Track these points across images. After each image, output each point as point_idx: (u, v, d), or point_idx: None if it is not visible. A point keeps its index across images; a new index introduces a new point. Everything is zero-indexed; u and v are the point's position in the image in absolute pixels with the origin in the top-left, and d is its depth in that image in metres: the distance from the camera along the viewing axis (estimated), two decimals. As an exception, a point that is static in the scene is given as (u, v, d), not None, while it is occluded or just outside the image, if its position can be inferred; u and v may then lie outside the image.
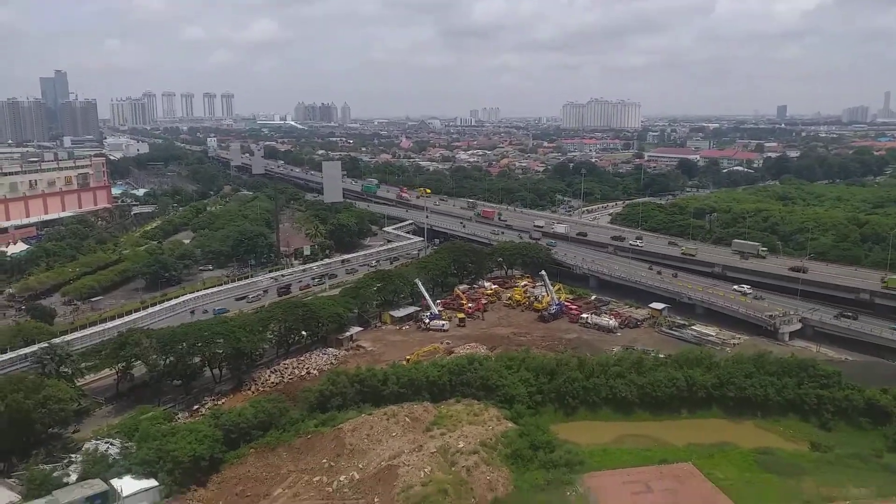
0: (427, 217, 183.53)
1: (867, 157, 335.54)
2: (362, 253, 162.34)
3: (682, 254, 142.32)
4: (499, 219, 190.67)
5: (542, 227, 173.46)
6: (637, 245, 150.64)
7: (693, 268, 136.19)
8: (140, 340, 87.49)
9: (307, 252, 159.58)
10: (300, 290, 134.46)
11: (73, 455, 69.23)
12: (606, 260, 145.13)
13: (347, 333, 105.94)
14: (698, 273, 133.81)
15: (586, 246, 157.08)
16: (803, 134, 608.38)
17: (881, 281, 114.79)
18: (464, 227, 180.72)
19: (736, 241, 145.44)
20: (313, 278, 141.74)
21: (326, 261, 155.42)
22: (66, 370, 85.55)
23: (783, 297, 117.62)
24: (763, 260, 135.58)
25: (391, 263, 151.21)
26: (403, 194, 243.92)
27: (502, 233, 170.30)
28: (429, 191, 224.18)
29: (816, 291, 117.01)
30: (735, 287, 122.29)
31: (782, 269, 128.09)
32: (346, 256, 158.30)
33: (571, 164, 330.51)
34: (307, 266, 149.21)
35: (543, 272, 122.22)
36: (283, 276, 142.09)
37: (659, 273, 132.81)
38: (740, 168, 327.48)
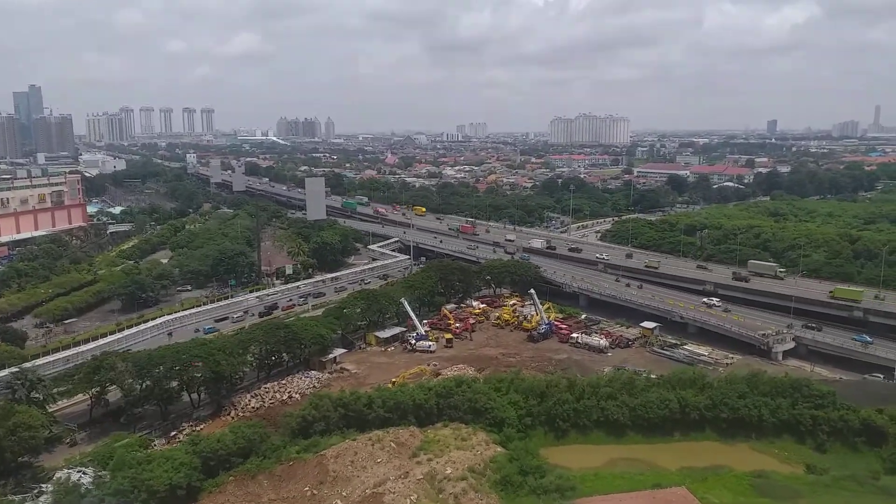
0: (406, 232, 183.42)
1: (858, 173, 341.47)
2: (350, 270, 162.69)
3: (646, 266, 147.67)
4: (486, 232, 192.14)
5: (513, 240, 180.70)
6: (604, 258, 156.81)
7: (662, 281, 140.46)
8: (115, 364, 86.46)
9: (289, 271, 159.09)
10: (283, 310, 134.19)
11: (43, 485, 67.98)
12: (595, 277, 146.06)
13: (331, 355, 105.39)
14: (667, 286, 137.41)
15: (570, 262, 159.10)
16: (794, 149, 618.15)
17: (829, 293, 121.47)
18: (446, 244, 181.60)
19: (752, 261, 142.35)
20: (301, 297, 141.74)
21: (317, 278, 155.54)
22: (37, 396, 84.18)
23: (756, 311, 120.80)
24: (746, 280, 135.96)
25: (384, 280, 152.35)
26: (380, 210, 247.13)
27: (477, 247, 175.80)
28: (423, 210, 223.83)
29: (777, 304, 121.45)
30: (704, 300, 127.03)
31: (776, 286, 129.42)
32: (334, 274, 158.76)
33: (560, 180, 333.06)
34: (294, 284, 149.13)
35: (532, 291, 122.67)
36: (269, 294, 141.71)
37: (627, 285, 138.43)
38: (731, 184, 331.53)
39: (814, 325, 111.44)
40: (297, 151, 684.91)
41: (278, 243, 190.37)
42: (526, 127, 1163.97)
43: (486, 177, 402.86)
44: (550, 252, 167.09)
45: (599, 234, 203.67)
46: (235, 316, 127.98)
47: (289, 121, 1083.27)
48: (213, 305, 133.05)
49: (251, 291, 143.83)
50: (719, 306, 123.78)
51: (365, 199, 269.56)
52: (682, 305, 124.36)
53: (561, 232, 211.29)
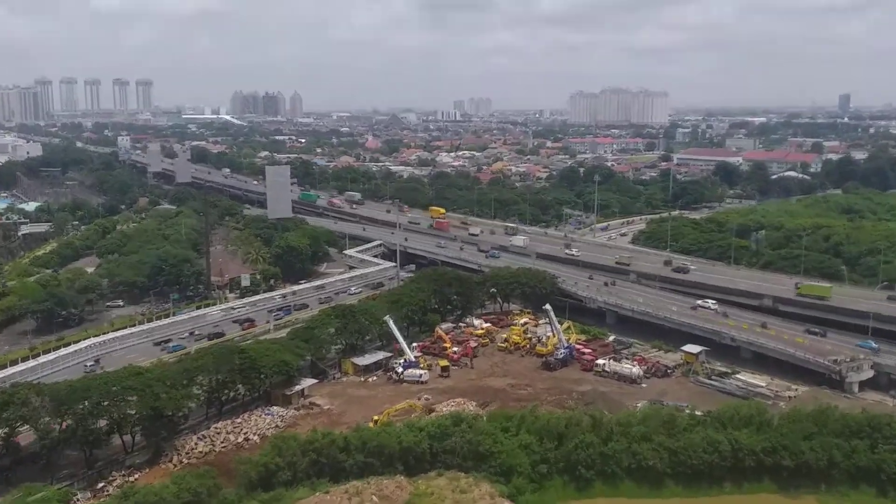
0: (393, 232, 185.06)
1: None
2: (338, 277, 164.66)
3: (617, 263, 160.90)
4: (491, 234, 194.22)
5: (477, 234, 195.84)
6: (573, 255, 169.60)
7: (703, 293, 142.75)
8: (28, 399, 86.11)
9: (246, 283, 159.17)
10: (244, 328, 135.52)
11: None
12: (626, 290, 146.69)
13: (298, 387, 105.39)
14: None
15: (572, 266, 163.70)
16: (871, 130, 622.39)
17: (795, 286, 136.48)
18: (446, 249, 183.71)
19: (803, 284, 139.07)
20: (277, 310, 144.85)
21: (301, 285, 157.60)
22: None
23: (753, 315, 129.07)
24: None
25: (375, 290, 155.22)
26: (335, 201, 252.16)
27: (445, 246, 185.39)
28: (443, 211, 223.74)
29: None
30: (699, 302, 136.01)
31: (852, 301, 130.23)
32: (319, 282, 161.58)
33: (582, 170, 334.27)
34: (269, 294, 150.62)
35: (548, 307, 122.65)
36: (234, 308, 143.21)
37: (606, 284, 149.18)
38: (793, 173, 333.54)
39: (817, 329, 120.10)
40: (255, 133, 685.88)
41: (232, 247, 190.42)
42: (540, 103, 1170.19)
43: (491, 165, 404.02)
44: (530, 253, 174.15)
45: (631, 237, 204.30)
46: (197, 333, 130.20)
47: (245, 95, 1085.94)
48: (160, 323, 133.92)
49: (199, 307, 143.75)
50: (715, 308, 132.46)
51: (357, 195, 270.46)
52: (733, 324, 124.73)
53: (582, 234, 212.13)
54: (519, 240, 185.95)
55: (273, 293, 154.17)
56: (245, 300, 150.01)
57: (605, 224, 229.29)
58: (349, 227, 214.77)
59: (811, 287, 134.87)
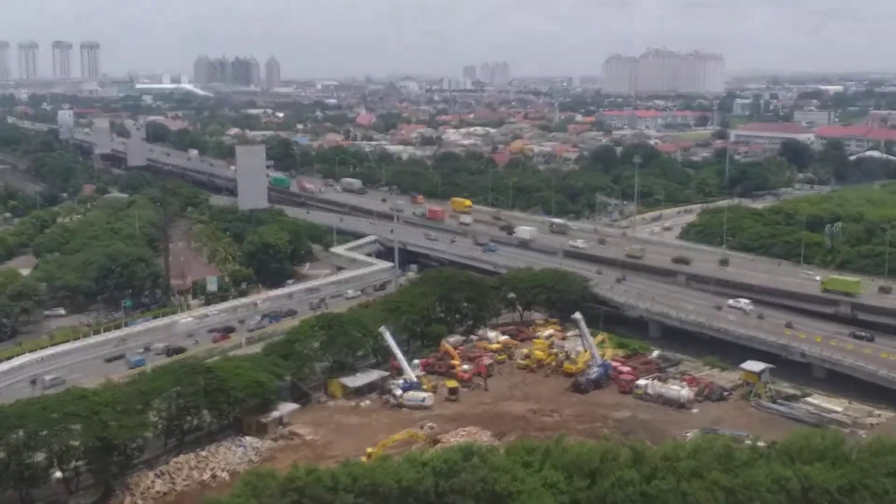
0: (392, 230, 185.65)
1: None
2: (325, 280, 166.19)
3: (627, 256, 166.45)
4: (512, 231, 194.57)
5: (468, 224, 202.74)
6: (578, 248, 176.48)
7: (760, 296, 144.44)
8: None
9: (212, 287, 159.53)
10: (216, 340, 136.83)
11: None
12: (672, 295, 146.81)
13: (275, 414, 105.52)
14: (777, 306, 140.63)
15: (578, 260, 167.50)
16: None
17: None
18: (442, 243, 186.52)
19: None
20: (262, 317, 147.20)
21: (256, 296, 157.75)
22: None
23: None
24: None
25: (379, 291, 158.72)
26: (307, 185, 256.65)
27: (437, 239, 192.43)
28: (468, 203, 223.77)
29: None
30: (730, 301, 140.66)
31: None
32: (313, 283, 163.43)
33: (619, 149, 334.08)
34: (248, 299, 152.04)
35: (578, 315, 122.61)
36: (208, 315, 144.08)
37: (618, 281, 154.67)
38: (876, 153, 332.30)
39: (864, 333, 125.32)
40: (224, 107, 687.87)
41: (196, 244, 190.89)
42: (568, 69, 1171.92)
43: (509, 144, 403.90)
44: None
45: (679, 230, 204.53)
46: (159, 346, 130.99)
47: (212, 61, 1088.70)
48: (114, 334, 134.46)
49: (157, 316, 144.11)
50: (752, 310, 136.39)
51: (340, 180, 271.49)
52: (804, 336, 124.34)
53: (615, 225, 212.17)
54: (525, 231, 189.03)
55: (245, 299, 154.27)
56: (225, 305, 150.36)
57: (657, 213, 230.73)
58: (339, 220, 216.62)
59: (837, 281, 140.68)
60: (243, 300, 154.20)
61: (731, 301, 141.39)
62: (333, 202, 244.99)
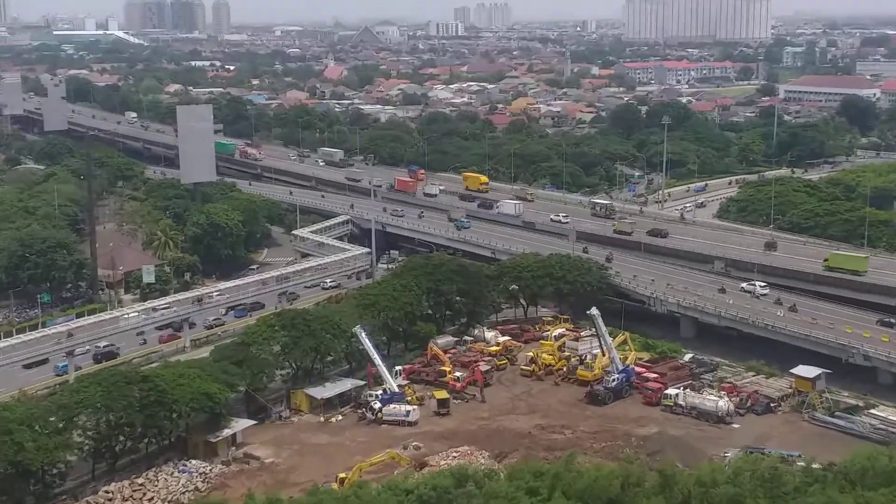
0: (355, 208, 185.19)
1: None
2: (287, 270, 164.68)
3: (616, 232, 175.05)
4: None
5: (435, 194, 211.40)
6: (560, 221, 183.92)
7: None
8: None
9: (149, 277, 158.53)
10: (162, 342, 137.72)
11: None
12: (706, 286, 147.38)
13: (227, 432, 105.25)
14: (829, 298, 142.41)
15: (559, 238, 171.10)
16: None
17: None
18: (414, 220, 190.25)
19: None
20: (228, 309, 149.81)
21: (203, 289, 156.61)
22: None
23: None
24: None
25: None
26: (248, 151, 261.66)
27: (403, 213, 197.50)
28: (484, 179, 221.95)
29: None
30: (744, 285, 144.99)
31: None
32: (292, 268, 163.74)
33: (644, 109, 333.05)
34: (193, 293, 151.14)
35: (595, 311, 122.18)
36: (156, 308, 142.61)
37: (608, 260, 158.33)
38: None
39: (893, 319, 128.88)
40: (161, 57, 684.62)
41: (130, 227, 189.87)
42: (581, 11, 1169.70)
43: (510, 103, 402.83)
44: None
45: (717, 207, 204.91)
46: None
47: (147, 2, 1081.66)
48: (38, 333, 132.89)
49: (80, 315, 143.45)
50: (765, 293, 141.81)
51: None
52: (869, 335, 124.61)
53: (641, 202, 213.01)
54: (509, 205, 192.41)
55: (190, 293, 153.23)
56: (179, 296, 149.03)
57: (702, 184, 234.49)
58: (303, 198, 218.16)
59: (842, 257, 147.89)
60: (187, 294, 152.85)
61: (744, 284, 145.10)
62: (292, 173, 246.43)
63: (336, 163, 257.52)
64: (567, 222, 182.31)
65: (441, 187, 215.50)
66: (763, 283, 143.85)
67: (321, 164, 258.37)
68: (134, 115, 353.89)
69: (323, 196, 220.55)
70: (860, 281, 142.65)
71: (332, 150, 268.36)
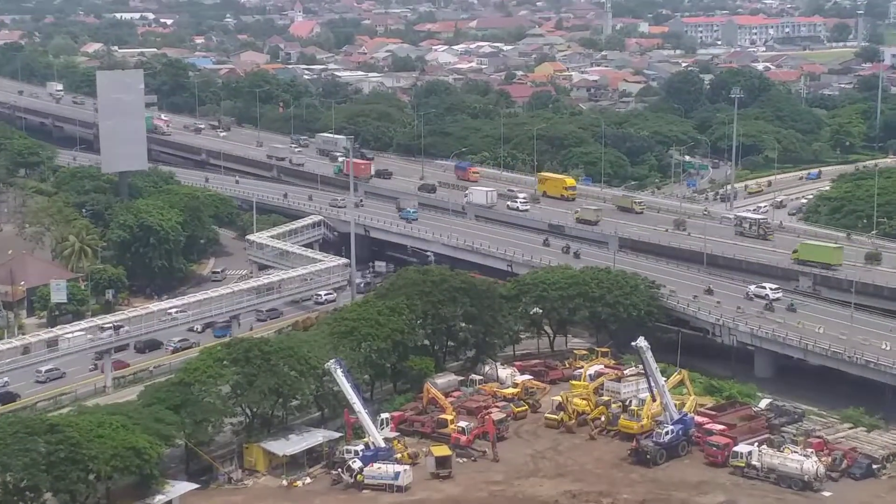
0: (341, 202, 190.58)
1: None
2: (238, 286, 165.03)
3: (578, 220, 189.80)
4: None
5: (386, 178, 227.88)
6: (518, 209, 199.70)
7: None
8: None
9: (59, 296, 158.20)
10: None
11: None
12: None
13: (161, 499, 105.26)
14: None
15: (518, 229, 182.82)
16: None
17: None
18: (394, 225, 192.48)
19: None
20: (205, 326, 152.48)
21: (128, 311, 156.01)
22: None
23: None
24: None
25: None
26: (156, 122, 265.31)
27: (344, 205, 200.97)
28: (571, 181, 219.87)
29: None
30: (752, 288, 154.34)
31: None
32: (276, 276, 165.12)
33: (708, 79, 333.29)
34: (124, 315, 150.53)
35: (643, 342, 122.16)
36: (104, 327, 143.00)
37: (567, 251, 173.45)
38: None
39: None
40: (77, 7, 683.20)
41: (35, 229, 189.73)
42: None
43: (534, 69, 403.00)
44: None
45: (802, 207, 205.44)
46: None
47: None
48: None
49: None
50: (777, 297, 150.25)
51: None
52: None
53: (699, 198, 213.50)
54: (480, 194, 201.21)
55: (111, 317, 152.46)
56: (82, 325, 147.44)
57: (815, 171, 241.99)
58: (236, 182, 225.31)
59: (813, 249, 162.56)
60: (108, 318, 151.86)
61: (752, 287, 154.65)
62: (247, 160, 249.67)
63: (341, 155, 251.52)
64: (526, 210, 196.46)
65: (492, 192, 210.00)
66: (775, 286, 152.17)
67: (314, 154, 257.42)
68: (59, 86, 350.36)
69: (286, 196, 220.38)
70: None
71: (335, 135, 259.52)
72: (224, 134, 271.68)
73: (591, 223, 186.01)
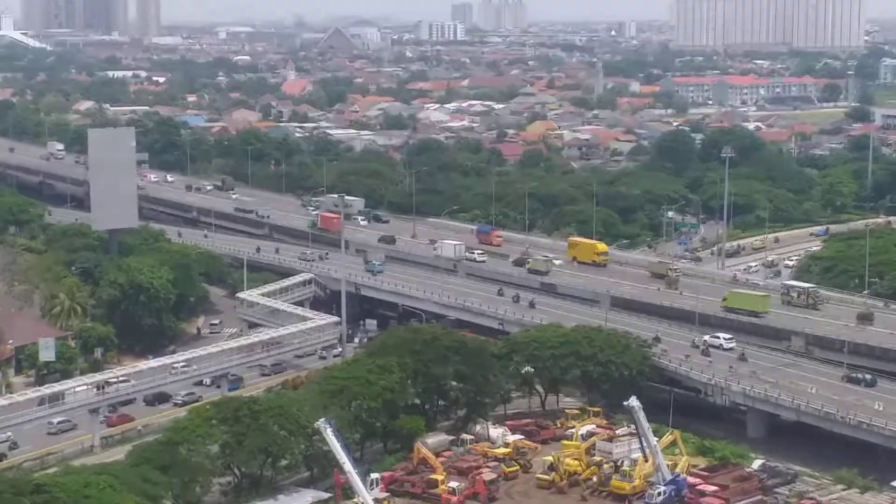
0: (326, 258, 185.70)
1: None
2: (228, 345, 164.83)
3: (529, 270, 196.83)
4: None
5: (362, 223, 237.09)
6: (475, 259, 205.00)
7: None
8: None
9: (48, 354, 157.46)
10: (111, 423, 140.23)
11: None
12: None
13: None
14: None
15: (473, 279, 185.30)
16: None
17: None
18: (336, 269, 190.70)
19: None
20: (215, 378, 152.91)
21: (120, 369, 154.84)
22: None
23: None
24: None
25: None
26: (145, 175, 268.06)
27: (314, 258, 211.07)
28: (603, 248, 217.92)
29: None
30: (706, 338, 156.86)
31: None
32: (234, 342, 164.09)
33: (699, 138, 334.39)
34: (115, 373, 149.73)
35: (634, 402, 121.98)
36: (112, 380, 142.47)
37: (516, 299, 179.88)
38: None
39: (861, 375, 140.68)
40: (70, 65, 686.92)
41: (24, 287, 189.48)
42: (619, 10, 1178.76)
43: (525, 128, 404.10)
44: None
45: (793, 265, 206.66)
46: None
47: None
48: None
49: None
50: (731, 348, 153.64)
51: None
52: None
53: (692, 255, 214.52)
54: (448, 247, 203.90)
55: (101, 375, 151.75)
56: (70, 383, 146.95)
57: (823, 228, 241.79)
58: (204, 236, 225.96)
59: (741, 297, 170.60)
60: (98, 377, 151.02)
61: (706, 336, 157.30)
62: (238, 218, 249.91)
63: (361, 216, 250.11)
64: (483, 261, 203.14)
65: (460, 245, 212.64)
66: (728, 336, 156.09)
67: (314, 210, 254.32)
68: (60, 146, 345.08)
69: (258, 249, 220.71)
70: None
71: (349, 197, 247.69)
72: (235, 196, 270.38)
73: (542, 273, 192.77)
